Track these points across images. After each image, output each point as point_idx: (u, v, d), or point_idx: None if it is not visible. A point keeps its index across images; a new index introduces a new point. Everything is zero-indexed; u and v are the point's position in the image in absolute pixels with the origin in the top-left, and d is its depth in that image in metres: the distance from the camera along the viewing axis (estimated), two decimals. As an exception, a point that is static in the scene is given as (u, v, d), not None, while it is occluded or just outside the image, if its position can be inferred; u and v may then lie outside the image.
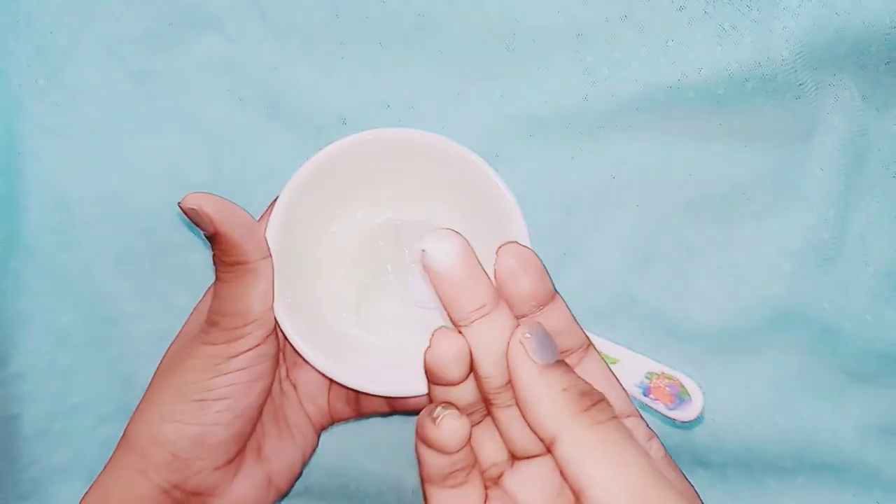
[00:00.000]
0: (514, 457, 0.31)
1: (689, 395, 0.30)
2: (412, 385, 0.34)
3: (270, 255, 0.34)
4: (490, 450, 0.32)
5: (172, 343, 0.36)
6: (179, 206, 0.33)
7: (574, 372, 0.29)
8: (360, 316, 0.38)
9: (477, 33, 0.41)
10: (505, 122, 0.41)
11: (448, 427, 0.29)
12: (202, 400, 0.34)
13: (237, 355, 0.34)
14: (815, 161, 0.41)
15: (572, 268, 0.42)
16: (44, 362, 0.42)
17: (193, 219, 0.33)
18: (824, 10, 0.39)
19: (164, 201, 0.42)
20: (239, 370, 0.34)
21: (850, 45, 0.40)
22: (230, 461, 0.35)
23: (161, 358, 0.36)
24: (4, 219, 0.41)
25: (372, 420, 0.42)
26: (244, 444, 0.36)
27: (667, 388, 0.30)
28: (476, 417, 0.31)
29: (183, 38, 0.42)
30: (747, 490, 0.41)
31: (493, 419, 0.31)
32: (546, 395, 0.28)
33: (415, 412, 0.39)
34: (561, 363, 0.28)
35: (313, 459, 0.40)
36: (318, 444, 0.39)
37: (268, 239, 0.35)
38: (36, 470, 0.42)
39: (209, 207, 0.32)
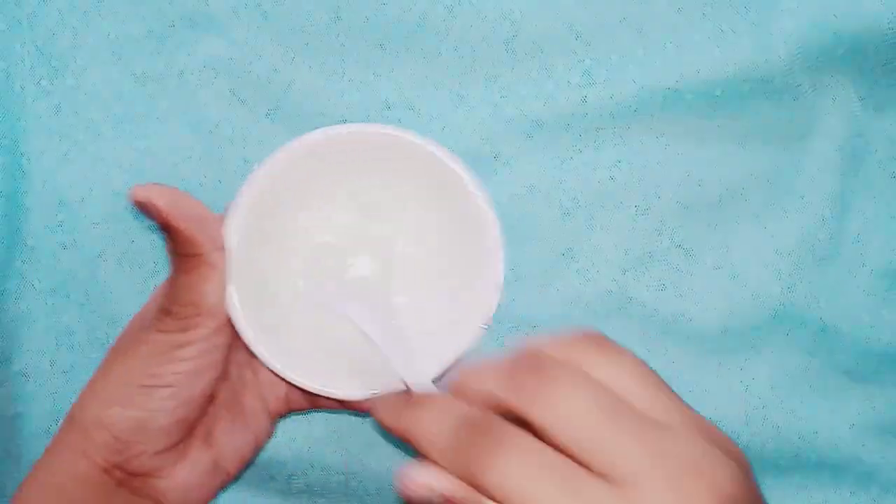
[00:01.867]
0: None
1: None
2: (360, 390, 0.35)
3: (224, 248, 0.34)
4: None
5: (126, 328, 0.37)
6: (129, 199, 0.33)
7: None
8: (316, 314, 0.38)
9: (477, 35, 0.41)
10: (504, 124, 0.41)
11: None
12: (147, 386, 0.34)
13: (186, 345, 0.34)
14: (813, 162, 0.41)
15: (570, 268, 0.42)
16: (46, 361, 0.42)
17: (144, 211, 0.33)
18: (822, 11, 0.39)
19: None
20: (186, 359, 0.34)
21: (848, 47, 0.40)
22: (173, 446, 0.35)
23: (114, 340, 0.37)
24: (7, 218, 0.41)
25: (372, 418, 0.43)
26: (188, 430, 0.36)
27: None
28: None
29: (185, 39, 0.42)
30: (744, 488, 0.42)
31: None
32: None
33: (365, 412, 0.39)
34: None
35: (313, 458, 0.40)
36: (272, 433, 0.40)
37: (228, 229, 0.35)
38: (39, 468, 0.42)
39: (159, 200, 0.32)
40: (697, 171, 0.42)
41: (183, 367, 0.34)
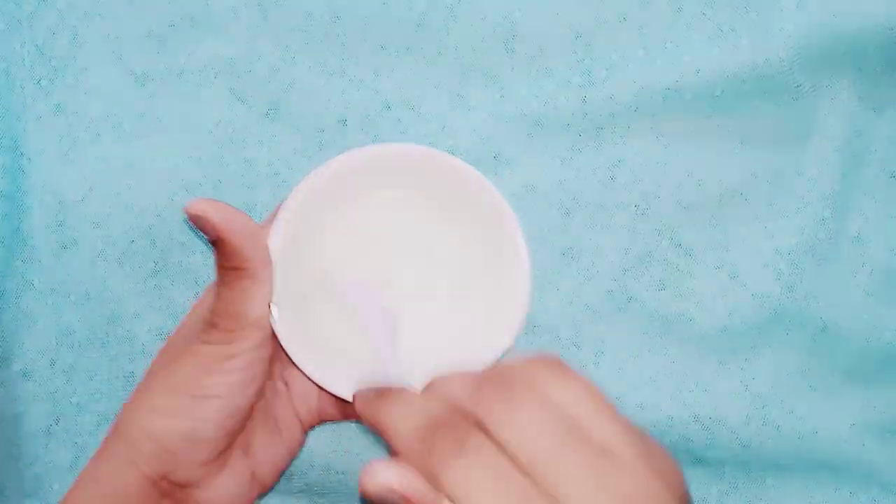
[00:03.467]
0: None
1: None
2: None
3: (269, 264, 0.35)
4: None
5: (169, 340, 0.37)
6: (184, 212, 0.33)
7: None
8: (348, 325, 0.38)
9: (476, 35, 0.42)
10: (504, 124, 0.41)
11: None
12: (196, 396, 0.34)
13: (233, 357, 0.34)
14: (812, 162, 0.41)
15: (570, 268, 0.42)
16: (46, 361, 0.42)
17: (197, 224, 0.33)
18: (822, 11, 0.39)
19: (166, 201, 0.42)
20: (234, 371, 0.34)
21: (848, 47, 0.40)
22: (218, 457, 0.36)
23: (157, 354, 0.37)
24: (7, 218, 0.42)
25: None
26: (232, 441, 0.36)
27: None
28: None
29: (185, 39, 0.42)
30: (744, 488, 0.42)
31: None
32: None
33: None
34: None
35: (313, 457, 0.40)
36: (304, 443, 0.40)
37: (269, 244, 0.35)
38: (39, 468, 0.42)
39: (213, 215, 0.33)
40: (697, 171, 0.42)
41: (230, 379, 0.34)
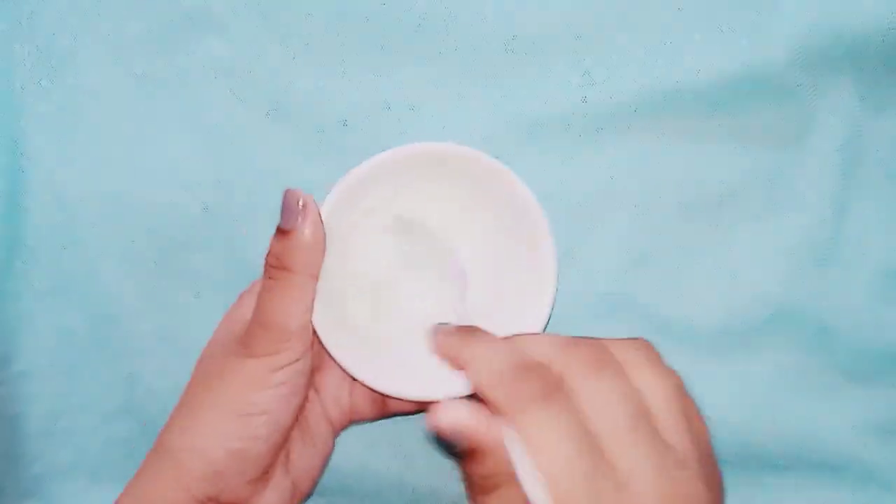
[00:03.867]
0: None
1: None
2: (450, 386, 0.35)
3: (316, 276, 0.34)
4: None
5: (203, 354, 0.36)
6: (286, 190, 0.34)
7: None
8: (381, 318, 0.39)
9: (477, 36, 0.42)
10: (504, 124, 0.42)
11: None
12: (245, 415, 0.34)
13: (278, 370, 0.34)
14: (812, 162, 0.41)
15: (570, 268, 0.42)
16: (47, 361, 0.42)
17: (290, 206, 0.34)
18: (821, 11, 0.40)
19: (166, 201, 0.42)
20: (280, 384, 0.34)
21: (848, 47, 0.40)
22: (263, 474, 0.35)
23: (194, 368, 0.36)
24: (7, 219, 0.42)
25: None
26: (277, 456, 0.36)
27: None
28: None
29: (185, 40, 0.42)
30: (744, 487, 0.42)
31: None
32: None
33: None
34: None
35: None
36: (333, 449, 0.40)
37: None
38: (39, 468, 0.42)
39: (310, 209, 0.34)
40: (697, 171, 0.42)
41: (278, 393, 0.34)
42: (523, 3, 0.42)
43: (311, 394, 0.39)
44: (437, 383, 0.35)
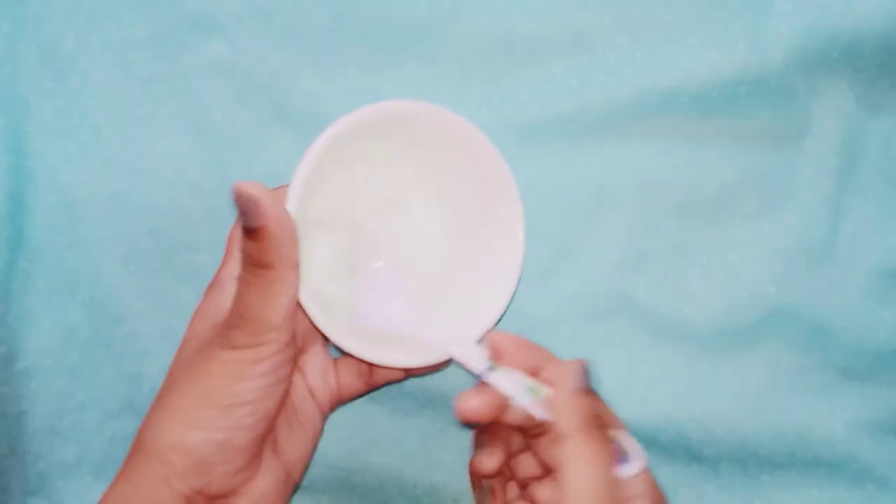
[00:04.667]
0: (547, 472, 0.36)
1: (628, 453, 0.35)
2: (434, 351, 0.36)
3: (297, 266, 0.34)
4: (527, 465, 0.37)
5: (181, 347, 0.36)
6: (235, 190, 0.32)
7: (597, 400, 0.35)
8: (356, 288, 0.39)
9: (475, 38, 0.42)
10: (502, 125, 0.42)
11: (480, 464, 0.36)
12: (227, 406, 0.33)
13: (260, 361, 0.34)
14: (808, 163, 0.42)
15: (567, 268, 0.42)
16: (51, 360, 0.42)
17: (244, 207, 0.32)
18: (817, 13, 0.40)
19: (169, 203, 0.42)
20: (263, 375, 0.34)
21: (843, 49, 0.40)
22: (251, 462, 0.35)
23: (171, 362, 0.36)
24: (12, 219, 0.42)
25: (373, 414, 0.43)
26: (264, 444, 0.36)
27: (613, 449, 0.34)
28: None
29: (188, 42, 0.42)
30: (741, 485, 0.42)
31: (532, 445, 0.36)
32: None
33: (428, 373, 0.40)
34: (593, 392, 0.34)
35: (316, 454, 0.40)
36: (322, 431, 0.40)
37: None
38: (43, 466, 0.42)
39: (266, 202, 0.32)
40: (694, 172, 0.42)
41: (259, 384, 0.34)
42: (521, 5, 0.42)
43: (296, 376, 0.38)
44: (421, 349, 0.36)
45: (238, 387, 0.33)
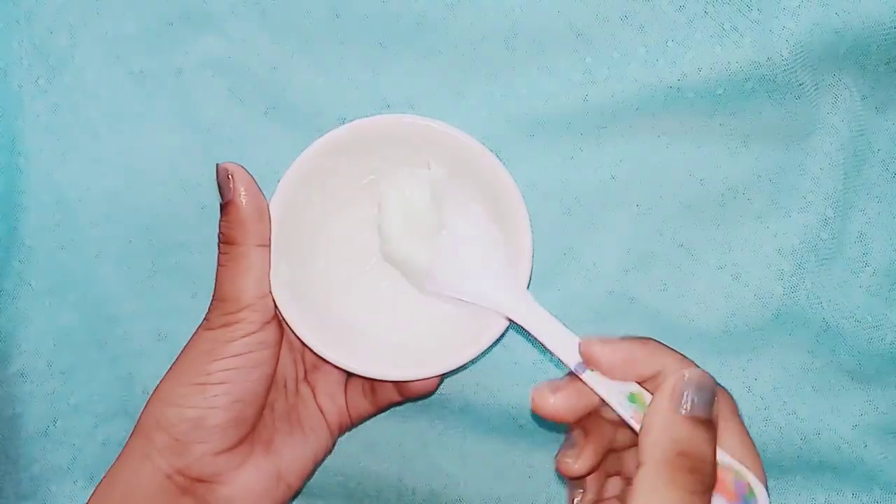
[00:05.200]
0: None
1: (754, 496, 0.28)
2: (420, 368, 0.36)
3: (269, 246, 0.35)
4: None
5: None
6: (217, 166, 0.35)
7: (704, 433, 0.28)
8: (359, 299, 0.39)
9: (477, 33, 0.41)
10: (505, 123, 0.41)
11: (566, 467, 0.32)
12: (200, 384, 0.35)
13: (233, 341, 0.35)
14: (815, 161, 0.41)
15: (572, 267, 0.42)
16: (44, 362, 0.42)
17: (221, 181, 0.35)
18: (824, 10, 0.39)
19: (163, 201, 0.42)
20: (235, 356, 0.35)
21: (850, 45, 0.40)
22: (232, 447, 0.36)
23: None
24: (5, 218, 0.42)
25: (372, 419, 0.42)
26: (246, 431, 0.36)
27: (731, 484, 0.28)
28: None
29: (182, 38, 0.42)
30: (746, 489, 0.42)
31: None
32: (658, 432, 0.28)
33: (423, 396, 0.40)
34: (703, 421, 0.29)
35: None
36: (333, 448, 0.40)
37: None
38: (36, 469, 0.42)
39: (238, 177, 0.35)
40: (699, 171, 0.42)
41: (233, 364, 0.35)
42: (524, 1, 0.41)
43: (306, 391, 0.39)
44: (413, 362, 0.36)
45: (210, 365, 0.35)
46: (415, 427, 0.43)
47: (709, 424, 0.28)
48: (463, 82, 0.42)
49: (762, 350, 0.42)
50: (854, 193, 0.42)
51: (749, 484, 0.28)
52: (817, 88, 0.41)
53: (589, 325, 0.42)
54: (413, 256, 0.38)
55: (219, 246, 0.35)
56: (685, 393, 0.28)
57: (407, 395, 0.39)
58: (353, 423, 0.41)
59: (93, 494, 0.35)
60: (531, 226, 0.37)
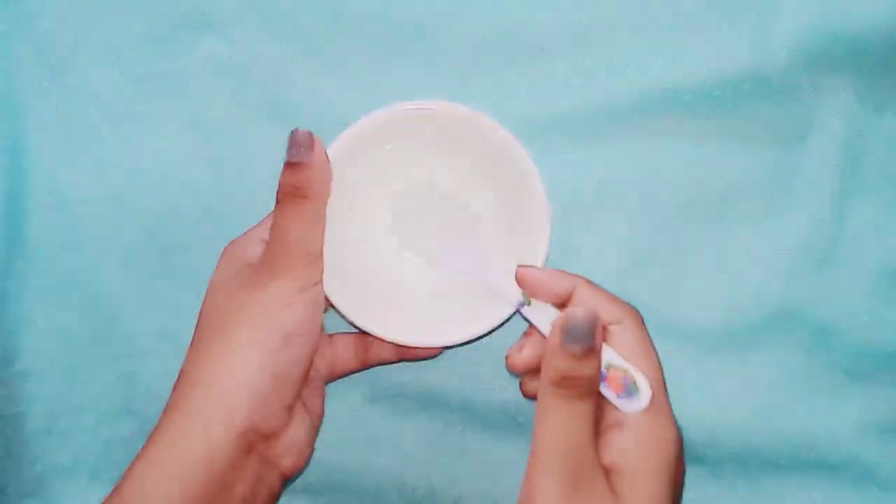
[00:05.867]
0: None
1: (637, 389, 0.35)
2: (431, 337, 0.38)
3: (326, 205, 0.36)
4: None
5: (207, 297, 0.37)
6: (292, 132, 0.35)
7: (583, 361, 0.33)
8: (379, 265, 0.40)
9: (476, 36, 0.42)
10: (504, 124, 0.41)
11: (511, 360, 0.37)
12: (286, 336, 0.34)
13: (307, 289, 0.35)
14: (812, 162, 0.41)
15: (570, 268, 0.42)
16: (47, 361, 0.42)
17: (300, 140, 0.35)
18: (821, 11, 0.39)
19: (166, 202, 0.42)
20: (309, 304, 0.35)
21: (847, 47, 0.40)
22: (293, 403, 0.36)
23: (200, 311, 0.37)
24: (8, 219, 0.42)
25: (372, 415, 0.43)
26: (304, 382, 0.37)
27: (619, 379, 0.35)
28: None
29: (185, 40, 0.42)
30: (743, 487, 0.42)
31: None
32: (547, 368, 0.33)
33: (420, 359, 0.41)
34: (583, 351, 0.33)
35: (315, 455, 0.40)
36: (323, 410, 0.40)
37: None
38: (40, 468, 0.42)
39: (318, 141, 0.35)
40: (697, 171, 0.42)
41: (307, 314, 0.35)
42: (523, 4, 0.42)
43: None
44: (430, 331, 0.38)
45: (290, 316, 0.35)
46: (416, 424, 0.43)
47: (589, 352, 0.32)
48: (462, 84, 0.42)
49: (759, 349, 0.42)
50: (851, 194, 0.42)
51: (635, 380, 0.34)
52: (814, 90, 0.41)
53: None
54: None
55: (283, 197, 0.35)
56: (567, 329, 0.32)
57: (407, 358, 0.40)
58: (335, 378, 0.41)
59: (147, 459, 0.34)
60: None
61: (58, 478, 0.42)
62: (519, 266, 0.37)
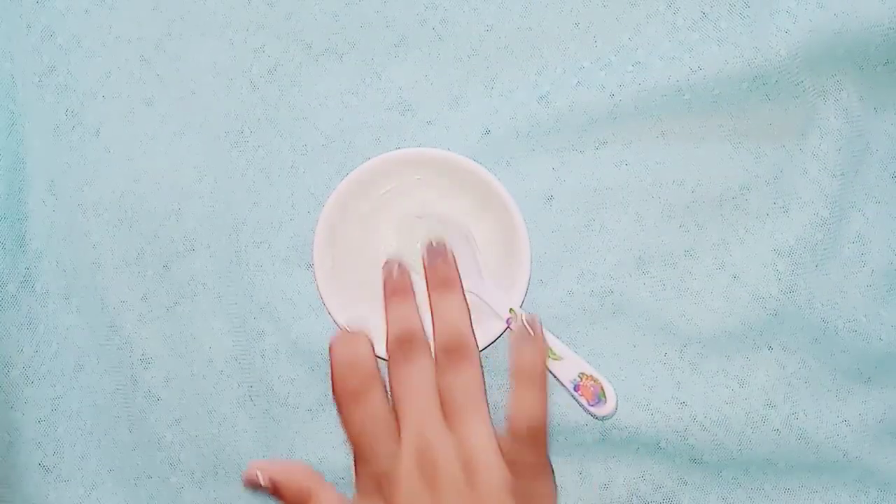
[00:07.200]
0: None
1: (605, 397, 0.38)
2: None
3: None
4: None
5: None
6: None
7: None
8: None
9: (475, 37, 0.42)
10: (502, 125, 0.42)
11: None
12: None
13: None
14: (812, 162, 0.41)
15: (569, 268, 0.42)
16: (48, 365, 0.42)
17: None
18: (822, 11, 0.39)
19: (167, 207, 0.42)
20: None
21: (848, 46, 0.40)
22: None
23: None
24: (7, 221, 0.42)
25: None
26: None
27: (591, 388, 0.38)
28: None
29: (185, 40, 0.42)
30: (742, 489, 0.42)
31: None
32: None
33: None
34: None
35: (315, 461, 0.40)
36: None
37: (317, 233, 0.40)
38: (37, 473, 0.42)
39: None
40: (697, 171, 0.42)
41: None
42: (522, 4, 0.42)
43: None
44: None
45: None
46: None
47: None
48: (461, 85, 0.42)
49: (759, 350, 0.42)
50: (852, 194, 0.42)
51: (602, 388, 0.38)
52: (815, 89, 0.41)
53: (587, 324, 0.42)
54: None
55: None
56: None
57: None
58: None
59: None
60: (532, 231, 0.40)
61: (56, 486, 0.42)
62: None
